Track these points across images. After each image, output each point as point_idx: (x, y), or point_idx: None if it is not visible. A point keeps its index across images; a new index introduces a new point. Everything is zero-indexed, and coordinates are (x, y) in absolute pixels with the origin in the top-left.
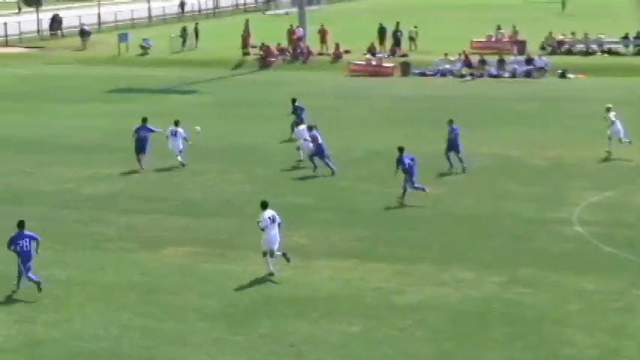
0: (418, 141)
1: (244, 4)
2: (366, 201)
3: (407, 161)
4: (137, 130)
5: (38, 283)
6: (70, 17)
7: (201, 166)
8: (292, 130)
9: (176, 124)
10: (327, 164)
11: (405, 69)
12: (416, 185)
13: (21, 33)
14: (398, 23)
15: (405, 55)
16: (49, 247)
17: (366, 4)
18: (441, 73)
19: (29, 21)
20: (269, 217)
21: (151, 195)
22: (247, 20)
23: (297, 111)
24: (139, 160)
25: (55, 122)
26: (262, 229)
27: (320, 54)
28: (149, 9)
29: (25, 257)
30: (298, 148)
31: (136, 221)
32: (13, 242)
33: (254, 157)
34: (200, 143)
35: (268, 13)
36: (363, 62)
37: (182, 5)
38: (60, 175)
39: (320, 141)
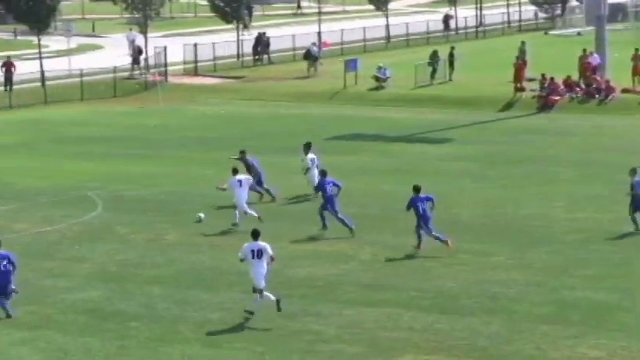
0: None
1: (519, 21)
2: None
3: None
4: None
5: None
6: (277, 37)
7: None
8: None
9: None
10: None
11: None
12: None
13: (215, 58)
14: None
15: None
16: (243, 348)
17: None
18: None
19: (226, 42)
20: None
21: (383, 282)
22: (523, 43)
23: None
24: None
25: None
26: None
27: (626, 91)
28: (387, 27)
29: None
30: None
31: (363, 316)
32: None
33: (527, 235)
34: (451, 214)
35: (553, 33)
36: None
37: (446, 21)
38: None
39: None
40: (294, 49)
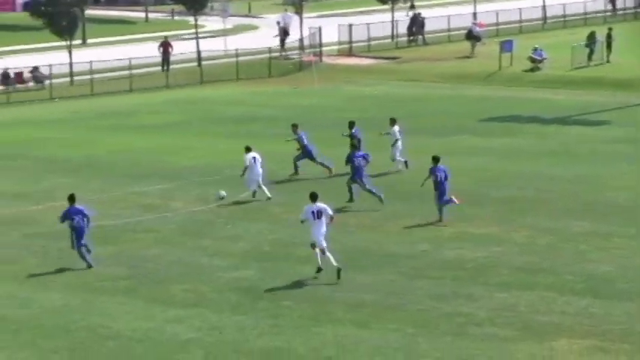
0: None
1: None
2: None
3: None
4: None
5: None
6: (432, 18)
7: (605, 228)
8: None
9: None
10: None
11: None
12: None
13: (369, 39)
14: None
15: None
16: (395, 330)
17: None
18: None
19: (381, 23)
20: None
21: (537, 265)
22: None
23: None
24: None
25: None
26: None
27: None
28: (544, 8)
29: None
30: None
31: (517, 299)
32: None
33: None
34: (606, 197)
35: None
36: None
37: (613, 0)
38: (413, 233)
39: None
40: (448, 29)
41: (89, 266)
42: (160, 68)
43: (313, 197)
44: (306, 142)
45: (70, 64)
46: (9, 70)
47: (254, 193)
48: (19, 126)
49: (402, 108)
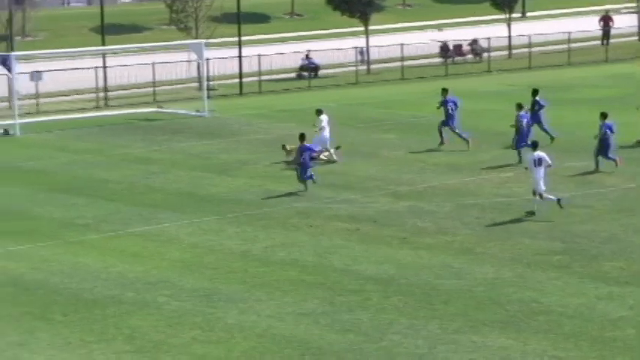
0: None
1: None
2: None
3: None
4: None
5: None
6: None
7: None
8: None
9: None
10: None
11: None
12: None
13: None
14: None
15: None
16: None
17: None
18: None
19: None
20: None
21: None
22: None
23: None
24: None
25: None
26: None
27: None
28: None
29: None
30: None
31: None
32: None
33: None
34: None
35: None
36: None
37: None
38: None
39: None
40: None
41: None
42: (599, 42)
43: (534, 146)
44: None
45: (509, 37)
46: (448, 43)
47: None
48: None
49: None
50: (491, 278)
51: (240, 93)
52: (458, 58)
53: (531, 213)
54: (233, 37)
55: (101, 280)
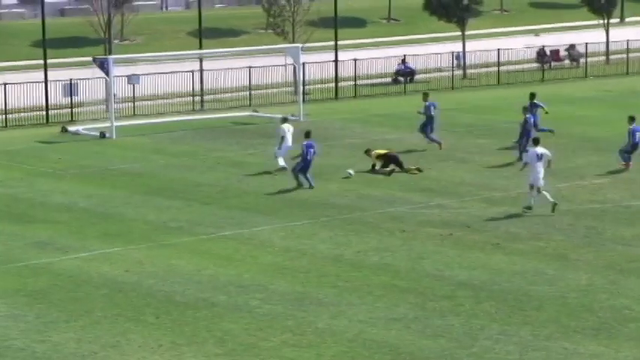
0: None
1: None
2: None
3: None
4: None
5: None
6: None
7: None
8: None
9: None
10: None
11: None
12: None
13: None
14: None
15: None
16: None
17: None
18: None
19: None
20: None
21: None
22: None
23: None
24: None
25: None
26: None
27: None
28: None
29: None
30: None
31: None
32: None
33: None
34: None
35: None
36: None
37: None
38: None
39: None
40: None
41: (298, 186)
42: None
43: (535, 142)
44: None
45: (607, 42)
46: (545, 48)
47: None
48: (554, 103)
49: None
50: (584, 285)
51: (336, 97)
52: (555, 64)
53: (529, 208)
54: (329, 41)
55: (193, 282)
